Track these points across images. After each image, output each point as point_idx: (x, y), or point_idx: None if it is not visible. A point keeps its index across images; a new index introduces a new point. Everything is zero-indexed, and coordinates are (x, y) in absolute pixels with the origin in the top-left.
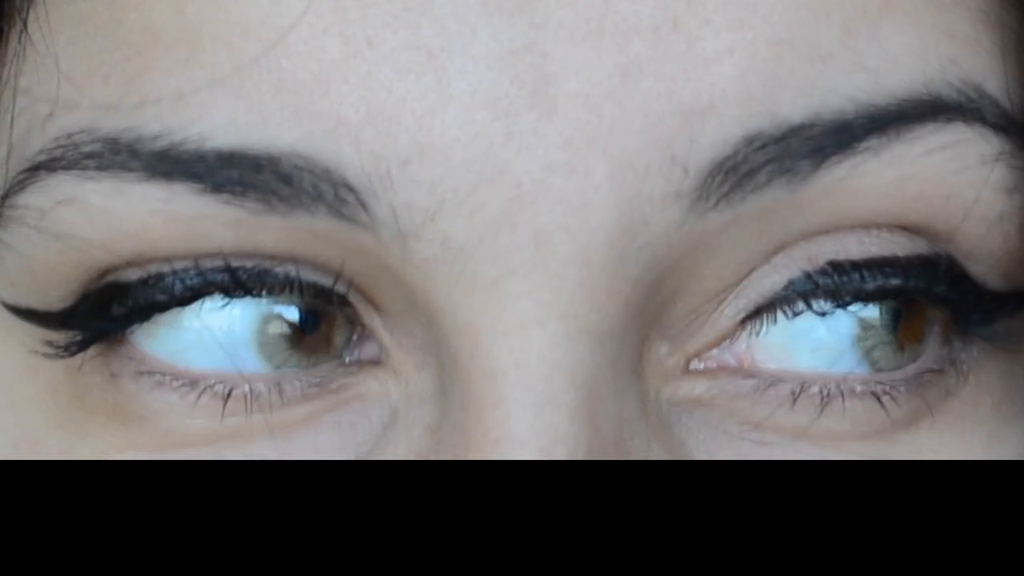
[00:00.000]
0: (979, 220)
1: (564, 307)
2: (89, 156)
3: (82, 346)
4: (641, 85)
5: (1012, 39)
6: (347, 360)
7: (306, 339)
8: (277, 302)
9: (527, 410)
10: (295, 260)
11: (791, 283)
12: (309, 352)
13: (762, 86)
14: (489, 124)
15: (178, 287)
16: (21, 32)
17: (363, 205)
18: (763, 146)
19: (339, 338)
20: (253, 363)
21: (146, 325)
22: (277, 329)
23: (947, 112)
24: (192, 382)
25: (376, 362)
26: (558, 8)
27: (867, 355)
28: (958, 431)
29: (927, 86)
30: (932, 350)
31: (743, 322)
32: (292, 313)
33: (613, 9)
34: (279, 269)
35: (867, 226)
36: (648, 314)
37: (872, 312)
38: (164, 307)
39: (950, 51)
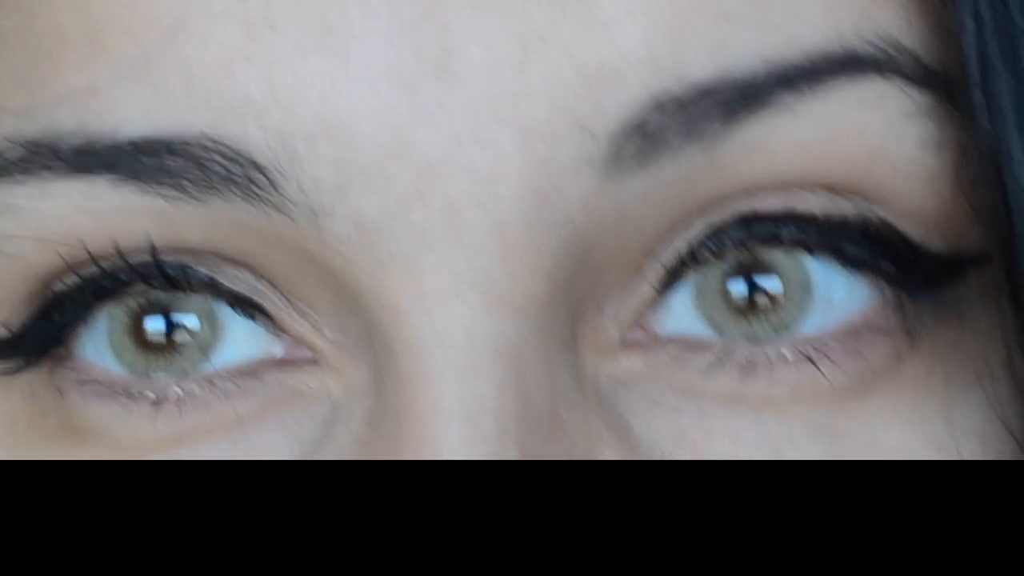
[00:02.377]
0: (909, 178)
1: (483, 280)
2: (15, 162)
3: (30, 362)
4: (543, 53)
5: None
6: (282, 357)
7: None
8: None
9: (451, 383)
10: (216, 254)
11: (702, 239)
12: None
13: (667, 48)
14: (393, 99)
15: (107, 284)
16: None
17: (272, 184)
18: (671, 109)
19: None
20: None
21: (83, 332)
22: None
23: (862, 66)
24: (126, 389)
25: (313, 361)
26: None
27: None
28: (911, 399)
29: (840, 42)
30: (875, 311)
31: (665, 286)
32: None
33: None
34: (200, 268)
35: (788, 186)
36: (578, 289)
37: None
38: (98, 305)
39: (863, 6)
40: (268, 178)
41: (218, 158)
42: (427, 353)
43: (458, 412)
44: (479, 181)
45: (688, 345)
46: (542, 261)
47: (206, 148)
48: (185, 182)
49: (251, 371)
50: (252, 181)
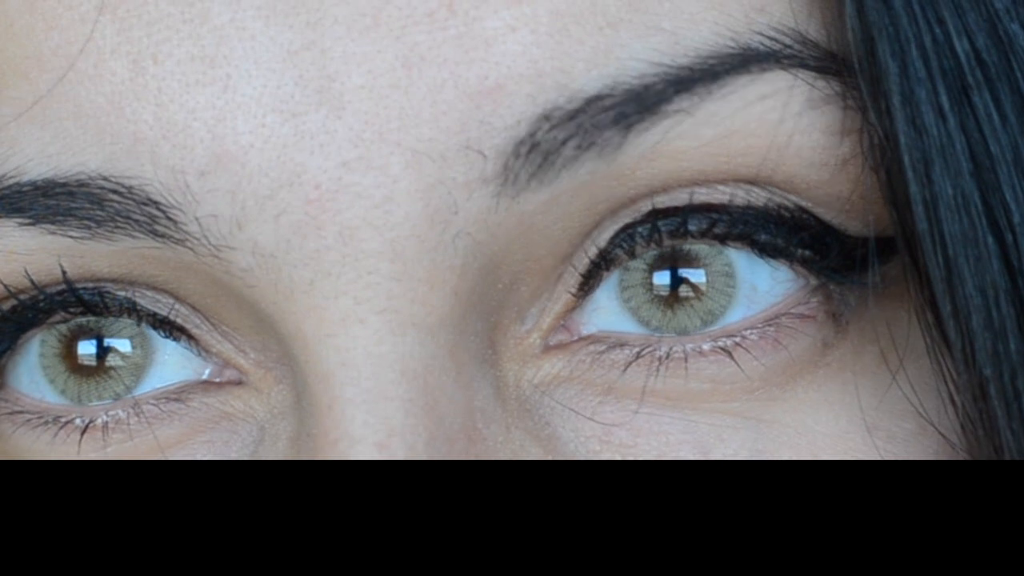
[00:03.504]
0: (821, 166)
1: (383, 302)
2: None
3: None
4: (425, 73)
5: None
6: (210, 379)
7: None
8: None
9: (359, 408)
10: (132, 283)
11: (613, 239)
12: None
13: (551, 60)
14: (279, 127)
15: (29, 315)
16: None
17: (172, 220)
18: (560, 121)
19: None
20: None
21: (12, 363)
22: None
23: (760, 62)
24: (55, 418)
25: (237, 382)
26: (333, 5)
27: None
28: (840, 383)
29: (734, 39)
30: (797, 298)
31: (580, 288)
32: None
33: (387, 0)
34: (120, 292)
35: (696, 183)
36: (490, 301)
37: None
38: (22, 333)
39: (754, 0)
40: (166, 215)
41: (116, 197)
42: (334, 379)
43: (368, 438)
44: (371, 204)
45: (608, 343)
46: (443, 278)
47: (103, 188)
48: (88, 222)
49: (177, 395)
50: (150, 218)
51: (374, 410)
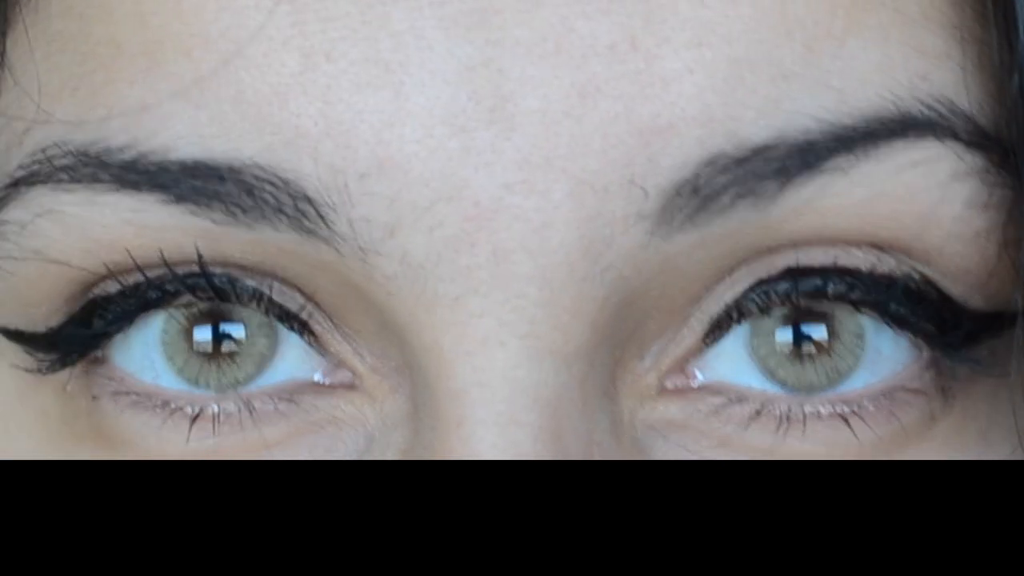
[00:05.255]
0: (955, 238)
1: (526, 327)
2: (62, 169)
3: (66, 362)
4: (599, 104)
5: (984, 54)
6: (322, 382)
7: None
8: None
9: (489, 429)
10: (263, 273)
11: (748, 292)
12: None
13: (722, 106)
14: (447, 140)
15: (153, 295)
16: (0, 56)
17: (322, 218)
18: (725, 168)
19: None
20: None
21: (124, 342)
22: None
23: (917, 129)
24: (164, 402)
25: (350, 386)
26: (515, 26)
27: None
28: (943, 457)
29: (896, 103)
30: (912, 370)
31: (707, 335)
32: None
33: (570, 27)
34: (248, 281)
35: (836, 243)
36: (620, 335)
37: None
38: (142, 312)
39: (919, 67)
40: (318, 212)
41: (268, 187)
42: (467, 398)
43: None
44: (528, 228)
45: (729, 396)
46: (586, 309)
47: (257, 177)
48: (234, 208)
49: (289, 395)
50: (302, 213)
51: (504, 433)
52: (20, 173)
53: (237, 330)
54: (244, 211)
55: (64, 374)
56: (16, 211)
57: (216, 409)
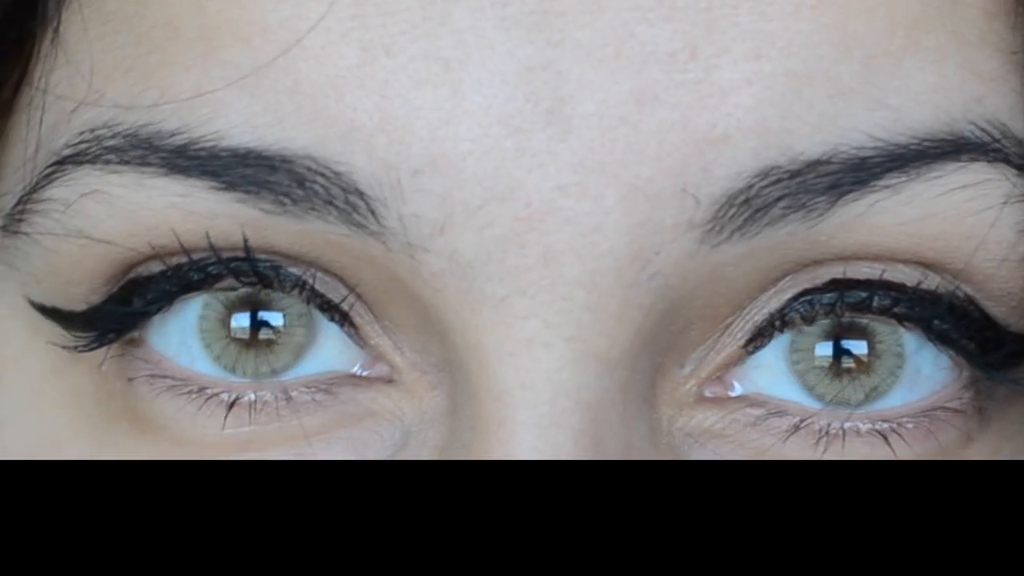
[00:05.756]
0: (1001, 261)
1: (572, 330)
2: (111, 150)
3: (103, 341)
4: (656, 111)
5: None
6: (359, 373)
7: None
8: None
9: (530, 431)
10: (307, 263)
11: (792, 301)
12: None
13: (779, 119)
14: (502, 140)
15: (196, 276)
16: (54, 32)
17: (373, 212)
18: (778, 180)
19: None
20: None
21: (162, 326)
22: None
23: (970, 152)
24: (200, 388)
25: (388, 380)
26: (576, 29)
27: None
28: None
29: (949, 125)
30: (951, 390)
31: (748, 343)
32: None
33: (631, 33)
34: (293, 269)
35: (881, 259)
36: (661, 342)
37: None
38: (183, 294)
39: (975, 90)
40: (369, 206)
41: (320, 179)
42: (510, 399)
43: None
44: (578, 232)
45: (768, 408)
46: (632, 315)
47: (309, 168)
48: (284, 198)
49: (327, 386)
50: (352, 206)
51: (545, 436)
52: (67, 152)
53: (276, 319)
54: (294, 201)
55: (100, 353)
56: (60, 190)
57: (253, 397)
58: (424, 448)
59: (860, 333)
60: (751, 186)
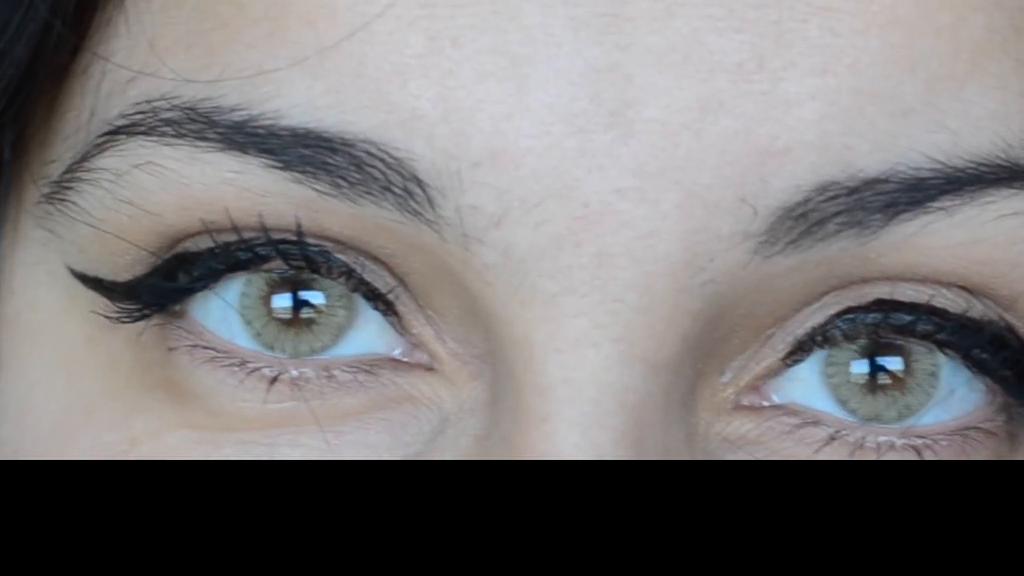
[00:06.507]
0: None
1: (620, 331)
2: (167, 123)
3: (144, 315)
4: (719, 120)
5: None
6: (399, 358)
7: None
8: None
9: (573, 428)
10: (355, 249)
11: (835, 318)
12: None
13: (840, 135)
14: (564, 139)
15: (244, 256)
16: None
17: (430, 201)
18: (835, 196)
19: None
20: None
21: (204, 300)
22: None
23: (1023, 179)
24: (242, 361)
25: (428, 368)
26: (647, 33)
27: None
28: None
29: (1006, 151)
30: (984, 414)
31: (788, 356)
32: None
33: (700, 41)
34: (339, 255)
35: (927, 281)
36: (704, 348)
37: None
38: (229, 273)
39: None
40: (426, 194)
41: (379, 164)
42: (554, 395)
43: (574, 459)
44: (635, 235)
45: (804, 417)
46: (681, 321)
47: (368, 152)
48: (340, 180)
49: (369, 367)
50: (409, 193)
51: (588, 435)
52: (121, 122)
53: (317, 298)
54: (350, 184)
55: (140, 324)
56: (112, 159)
57: (296, 373)
58: (463, 437)
59: (896, 351)
60: (808, 200)
